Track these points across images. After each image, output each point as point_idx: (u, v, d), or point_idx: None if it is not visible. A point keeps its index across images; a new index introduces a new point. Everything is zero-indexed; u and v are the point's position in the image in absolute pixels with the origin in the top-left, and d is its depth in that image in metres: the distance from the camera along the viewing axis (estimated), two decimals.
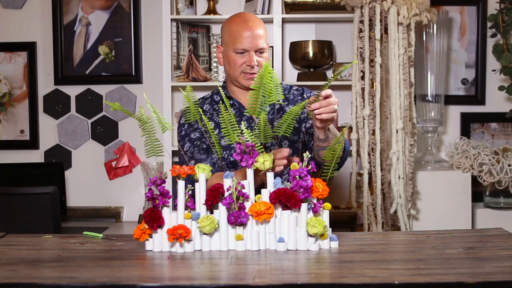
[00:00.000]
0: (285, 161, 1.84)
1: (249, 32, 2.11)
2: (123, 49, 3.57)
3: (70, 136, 3.61)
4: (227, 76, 2.22)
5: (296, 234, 1.67)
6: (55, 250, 1.72)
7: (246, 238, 1.68)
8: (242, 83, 2.15)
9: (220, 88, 2.11)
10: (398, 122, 3.01)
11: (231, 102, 2.21)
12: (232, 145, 2.11)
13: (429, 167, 3.32)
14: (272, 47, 3.40)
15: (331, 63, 3.52)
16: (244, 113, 1.86)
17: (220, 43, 2.24)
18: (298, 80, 3.50)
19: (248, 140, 1.72)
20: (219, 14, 3.46)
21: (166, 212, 1.67)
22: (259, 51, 2.13)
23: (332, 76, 2.02)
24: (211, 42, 3.46)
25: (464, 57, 3.60)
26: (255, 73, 2.11)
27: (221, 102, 2.21)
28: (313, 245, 1.67)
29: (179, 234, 1.61)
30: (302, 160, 1.71)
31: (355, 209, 3.37)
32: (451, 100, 3.56)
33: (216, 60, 3.43)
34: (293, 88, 2.29)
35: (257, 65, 2.11)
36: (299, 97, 2.26)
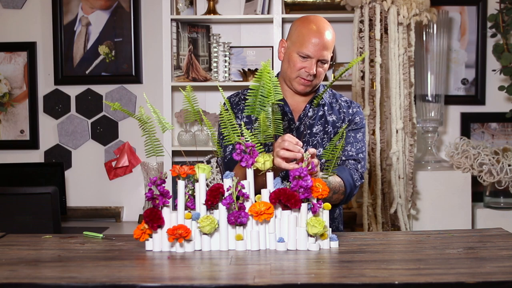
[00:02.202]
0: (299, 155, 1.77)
1: (318, 40, 2.03)
2: (123, 49, 3.57)
3: (70, 136, 3.61)
4: (282, 73, 2.15)
5: (296, 234, 1.67)
6: (55, 250, 1.72)
7: (246, 238, 1.68)
8: (294, 86, 2.10)
9: (221, 89, 2.06)
10: (398, 122, 3.02)
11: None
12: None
13: (429, 167, 3.32)
14: (272, 47, 3.40)
15: (331, 63, 3.52)
16: (244, 113, 1.86)
17: (286, 38, 2.16)
18: None
19: (248, 140, 1.72)
20: (219, 14, 3.46)
21: (166, 212, 1.67)
22: (322, 61, 2.06)
23: (333, 77, 2.01)
24: (211, 42, 3.46)
25: (464, 57, 3.60)
26: (311, 81, 2.07)
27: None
28: (313, 245, 1.67)
29: (179, 234, 1.61)
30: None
31: (355, 209, 3.37)
32: (451, 100, 3.56)
33: (216, 60, 3.43)
34: (342, 99, 2.22)
35: (314, 74, 2.06)
36: (345, 110, 2.18)
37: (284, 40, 2.15)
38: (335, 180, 2.01)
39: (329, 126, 2.15)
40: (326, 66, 2.09)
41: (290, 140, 1.78)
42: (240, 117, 2.14)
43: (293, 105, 2.14)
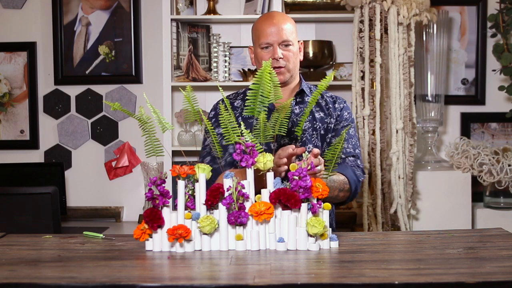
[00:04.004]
0: (284, 160, 1.81)
1: (272, 27, 2.11)
2: (123, 49, 3.57)
3: (70, 136, 3.61)
4: None
5: (296, 234, 1.67)
6: (55, 250, 1.72)
7: (246, 238, 1.68)
8: None
9: (221, 89, 2.05)
10: (398, 122, 3.01)
11: None
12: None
13: (429, 167, 3.32)
14: None
15: (331, 63, 3.52)
16: (244, 113, 1.86)
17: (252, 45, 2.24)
18: None
19: (248, 141, 1.72)
20: (219, 14, 3.46)
21: (166, 212, 1.67)
22: (284, 44, 2.12)
23: (333, 77, 2.01)
24: (211, 42, 3.46)
25: (464, 57, 3.60)
26: (282, 67, 2.11)
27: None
28: (313, 245, 1.67)
29: (179, 234, 1.61)
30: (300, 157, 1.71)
31: (355, 209, 3.37)
32: (451, 100, 3.56)
33: (216, 60, 3.43)
34: (327, 95, 2.25)
35: (282, 58, 2.10)
36: (330, 105, 2.21)
37: (251, 47, 2.23)
38: (339, 178, 2.03)
39: (317, 123, 2.17)
40: (292, 48, 2.14)
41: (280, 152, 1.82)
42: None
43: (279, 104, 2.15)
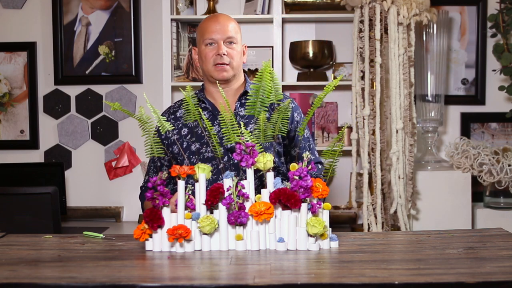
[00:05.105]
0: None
1: (217, 24, 2.15)
2: (123, 49, 3.57)
3: (70, 136, 3.61)
4: (204, 75, 2.22)
5: (296, 234, 1.67)
6: (55, 250, 1.72)
7: (246, 238, 1.68)
8: (214, 76, 2.14)
9: (221, 89, 1.98)
10: (398, 122, 3.01)
11: (204, 105, 2.18)
12: (200, 151, 2.10)
13: (429, 167, 3.32)
14: (272, 47, 3.40)
15: (331, 63, 3.52)
16: (246, 113, 1.86)
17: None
18: (298, 80, 3.50)
19: (248, 140, 1.72)
20: None
21: (166, 212, 1.67)
22: (228, 41, 2.14)
23: (333, 78, 2.00)
24: None
25: (464, 57, 3.60)
26: (225, 64, 2.12)
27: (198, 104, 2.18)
28: (313, 245, 1.67)
29: (179, 234, 1.61)
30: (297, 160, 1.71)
31: (355, 209, 3.37)
32: (451, 100, 3.56)
33: None
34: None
35: (225, 55, 2.12)
36: (275, 104, 2.08)
37: (195, 47, 2.26)
38: None
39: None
40: (236, 46, 2.16)
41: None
42: (176, 127, 2.17)
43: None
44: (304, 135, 2.19)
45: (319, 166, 2.21)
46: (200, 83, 3.40)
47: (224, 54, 2.12)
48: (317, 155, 2.25)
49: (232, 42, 2.15)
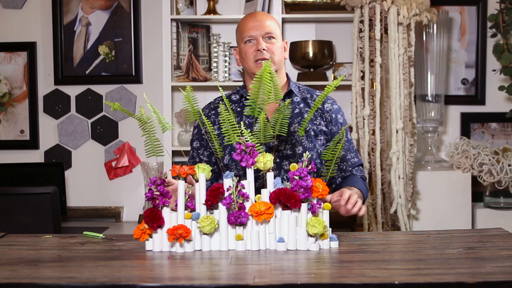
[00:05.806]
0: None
1: (254, 21, 2.12)
2: (123, 49, 3.57)
3: (70, 136, 3.61)
4: (246, 73, 2.20)
5: (296, 234, 1.67)
6: (55, 250, 1.72)
7: (246, 238, 1.68)
8: (256, 72, 2.11)
9: (221, 89, 2.02)
10: (398, 122, 3.01)
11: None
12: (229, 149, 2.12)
13: (429, 167, 3.32)
14: None
15: (331, 63, 3.52)
16: (245, 113, 1.85)
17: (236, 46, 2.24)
18: (298, 80, 3.50)
19: (248, 140, 1.72)
20: (219, 14, 3.46)
21: (166, 212, 1.67)
22: (267, 37, 2.11)
23: (333, 78, 2.00)
24: (211, 42, 3.46)
25: (464, 57, 3.60)
26: (266, 59, 2.08)
27: (220, 102, 2.20)
28: (313, 245, 1.67)
29: (179, 234, 1.61)
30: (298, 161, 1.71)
31: None
32: (451, 100, 3.56)
33: (216, 60, 3.43)
34: (316, 94, 2.22)
35: (265, 50, 2.09)
36: (320, 106, 2.08)
37: (236, 48, 2.23)
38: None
39: (307, 124, 2.14)
40: (275, 41, 2.12)
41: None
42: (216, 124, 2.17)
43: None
44: (347, 137, 2.18)
45: (361, 167, 2.22)
46: (199, 83, 3.42)
47: (263, 49, 2.09)
48: (360, 158, 2.24)
49: (272, 37, 2.12)
